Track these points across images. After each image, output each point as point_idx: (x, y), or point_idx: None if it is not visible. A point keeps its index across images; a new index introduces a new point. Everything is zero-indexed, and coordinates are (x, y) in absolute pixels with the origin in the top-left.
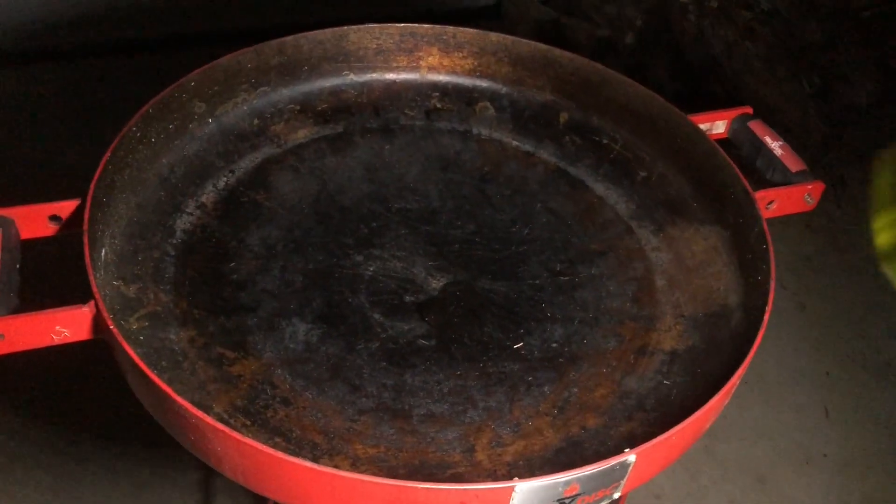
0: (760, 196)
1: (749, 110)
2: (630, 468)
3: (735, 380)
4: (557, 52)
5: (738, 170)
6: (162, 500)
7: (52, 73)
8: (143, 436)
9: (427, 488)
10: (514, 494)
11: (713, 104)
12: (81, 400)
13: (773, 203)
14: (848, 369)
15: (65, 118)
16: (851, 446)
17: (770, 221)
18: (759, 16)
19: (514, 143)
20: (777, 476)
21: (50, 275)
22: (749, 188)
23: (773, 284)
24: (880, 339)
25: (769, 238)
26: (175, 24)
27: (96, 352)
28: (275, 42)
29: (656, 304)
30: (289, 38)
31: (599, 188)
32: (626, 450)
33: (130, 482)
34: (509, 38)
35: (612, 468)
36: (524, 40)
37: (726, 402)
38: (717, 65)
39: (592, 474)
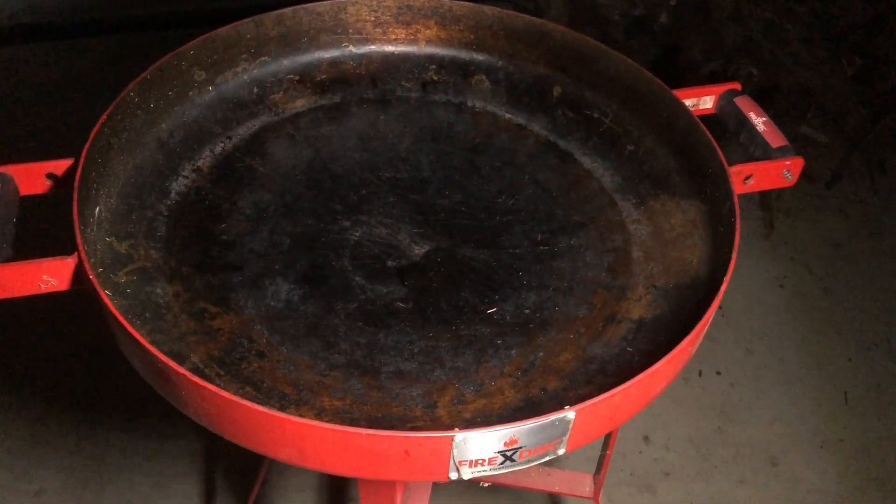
0: (737, 171)
1: (737, 86)
2: (570, 425)
3: (685, 345)
4: (551, 25)
5: (715, 144)
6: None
7: (64, 51)
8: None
9: (370, 434)
10: (454, 444)
11: (748, 86)
12: (102, 387)
13: (750, 178)
14: (870, 356)
15: (72, 92)
16: (869, 433)
17: (803, 207)
18: None
19: (507, 115)
20: (790, 459)
21: (51, 231)
22: (724, 162)
23: (734, 256)
24: None
25: (738, 211)
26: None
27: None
28: (273, 14)
29: (630, 275)
30: (287, 10)
31: (587, 161)
32: (566, 407)
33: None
34: (504, 11)
35: (552, 423)
36: (518, 14)
37: (677, 368)
38: (753, 45)
39: (532, 428)
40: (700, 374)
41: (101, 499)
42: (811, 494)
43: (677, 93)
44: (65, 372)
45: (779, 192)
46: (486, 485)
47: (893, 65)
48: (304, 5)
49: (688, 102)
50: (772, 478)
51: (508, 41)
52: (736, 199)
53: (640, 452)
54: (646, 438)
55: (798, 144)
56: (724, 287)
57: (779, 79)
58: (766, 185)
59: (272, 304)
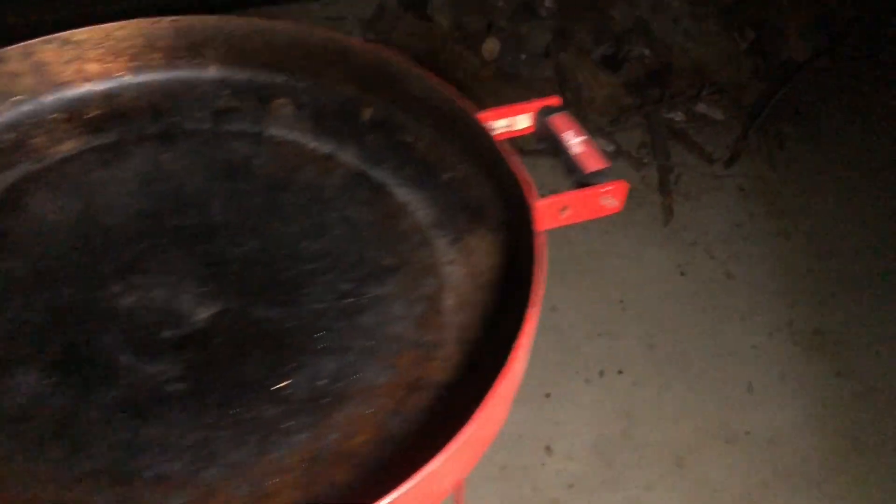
0: (547, 203)
1: (555, 101)
2: None
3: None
4: (352, 40)
5: (518, 175)
6: None
7: None
8: None
9: None
10: None
11: (641, 67)
12: None
13: (566, 209)
14: (774, 341)
15: None
16: (775, 422)
17: (702, 189)
18: None
19: (313, 144)
20: (697, 458)
21: None
22: (526, 196)
23: (530, 313)
24: (811, 307)
25: (541, 254)
26: None
27: None
28: (20, 46)
29: (441, 328)
30: (35, 41)
31: (401, 193)
32: None
33: None
34: (302, 27)
35: None
36: (316, 28)
37: (474, 454)
38: (643, 24)
39: None
40: (601, 374)
41: None
42: (717, 493)
43: (489, 112)
44: None
45: (678, 175)
46: None
47: (784, 37)
48: (59, 34)
49: (502, 123)
50: (678, 480)
51: (308, 60)
52: (537, 240)
53: (543, 465)
54: (547, 449)
55: (695, 124)
56: (515, 354)
57: (671, 57)
58: (586, 216)
59: (16, 401)
